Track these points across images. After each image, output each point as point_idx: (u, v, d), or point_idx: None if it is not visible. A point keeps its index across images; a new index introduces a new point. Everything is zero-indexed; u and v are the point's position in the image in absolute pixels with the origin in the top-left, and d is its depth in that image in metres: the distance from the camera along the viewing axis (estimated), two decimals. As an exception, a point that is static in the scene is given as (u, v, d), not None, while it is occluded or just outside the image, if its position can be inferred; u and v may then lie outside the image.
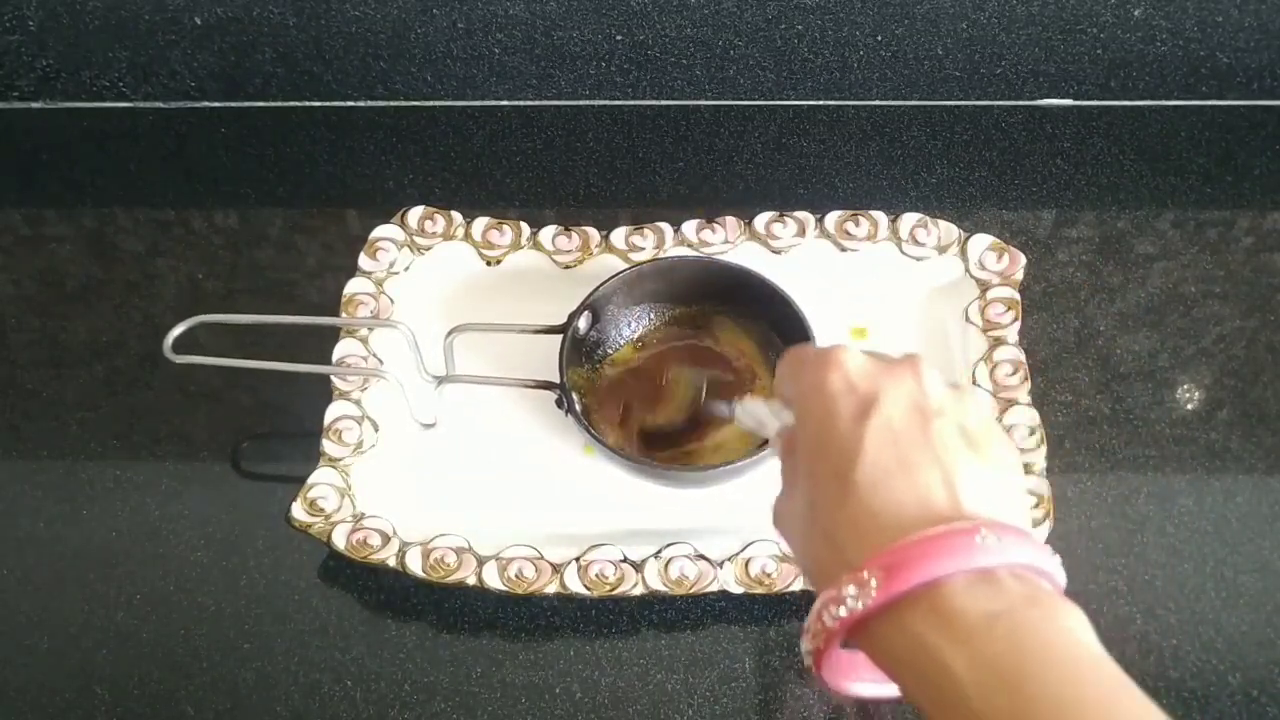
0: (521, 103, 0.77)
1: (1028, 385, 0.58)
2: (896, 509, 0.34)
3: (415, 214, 0.65)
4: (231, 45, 0.72)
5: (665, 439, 0.58)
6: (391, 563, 0.54)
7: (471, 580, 0.53)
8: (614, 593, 0.53)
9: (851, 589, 0.33)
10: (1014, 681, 0.30)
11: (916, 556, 0.32)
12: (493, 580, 0.53)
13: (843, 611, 0.33)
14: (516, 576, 0.53)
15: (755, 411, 0.47)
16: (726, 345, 0.61)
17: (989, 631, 0.31)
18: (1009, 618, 0.31)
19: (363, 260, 0.64)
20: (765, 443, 0.53)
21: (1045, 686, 0.30)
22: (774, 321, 0.59)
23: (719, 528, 0.56)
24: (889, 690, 0.37)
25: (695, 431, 0.58)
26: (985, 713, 0.30)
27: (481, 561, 0.54)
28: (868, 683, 0.38)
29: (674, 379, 0.60)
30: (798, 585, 0.53)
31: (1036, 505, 0.55)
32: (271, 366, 0.57)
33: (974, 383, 0.59)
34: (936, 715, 0.32)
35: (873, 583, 0.33)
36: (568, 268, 0.64)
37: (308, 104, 0.77)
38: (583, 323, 0.59)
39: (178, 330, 0.56)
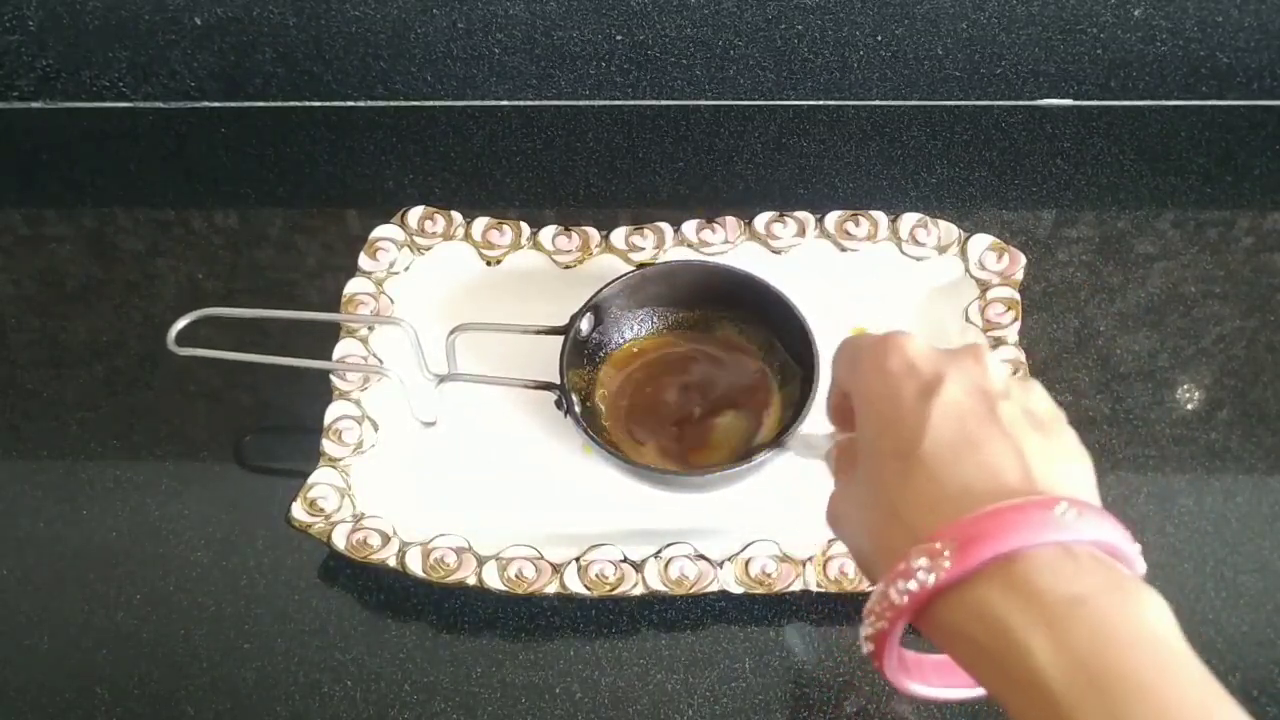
0: (521, 103, 0.77)
1: (1028, 385, 0.58)
2: (967, 483, 0.32)
3: (415, 214, 0.65)
4: (231, 45, 0.72)
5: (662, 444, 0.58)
6: (391, 563, 0.54)
7: (471, 580, 0.53)
8: (614, 593, 0.53)
9: (923, 560, 0.31)
10: (1100, 675, 0.29)
11: (994, 527, 0.31)
12: (493, 580, 0.53)
13: (913, 585, 0.31)
14: (516, 576, 0.53)
15: (807, 439, 0.46)
16: (728, 349, 0.61)
17: (1070, 613, 0.29)
18: (1093, 603, 0.30)
19: (363, 260, 0.64)
20: (766, 447, 0.53)
21: (1133, 683, 0.28)
22: (776, 327, 0.59)
23: (719, 528, 0.56)
24: (956, 692, 0.35)
25: (695, 436, 0.58)
26: (1069, 705, 0.29)
27: (481, 561, 0.54)
28: (929, 684, 0.36)
29: (723, 425, 0.58)
30: (798, 585, 0.53)
31: None
32: (274, 361, 0.57)
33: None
34: (1009, 699, 0.31)
35: (946, 553, 0.31)
36: (568, 268, 0.64)
37: (308, 104, 0.77)
38: (585, 324, 0.59)
39: (181, 323, 0.56)
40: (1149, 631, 0.30)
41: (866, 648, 0.34)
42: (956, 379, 0.35)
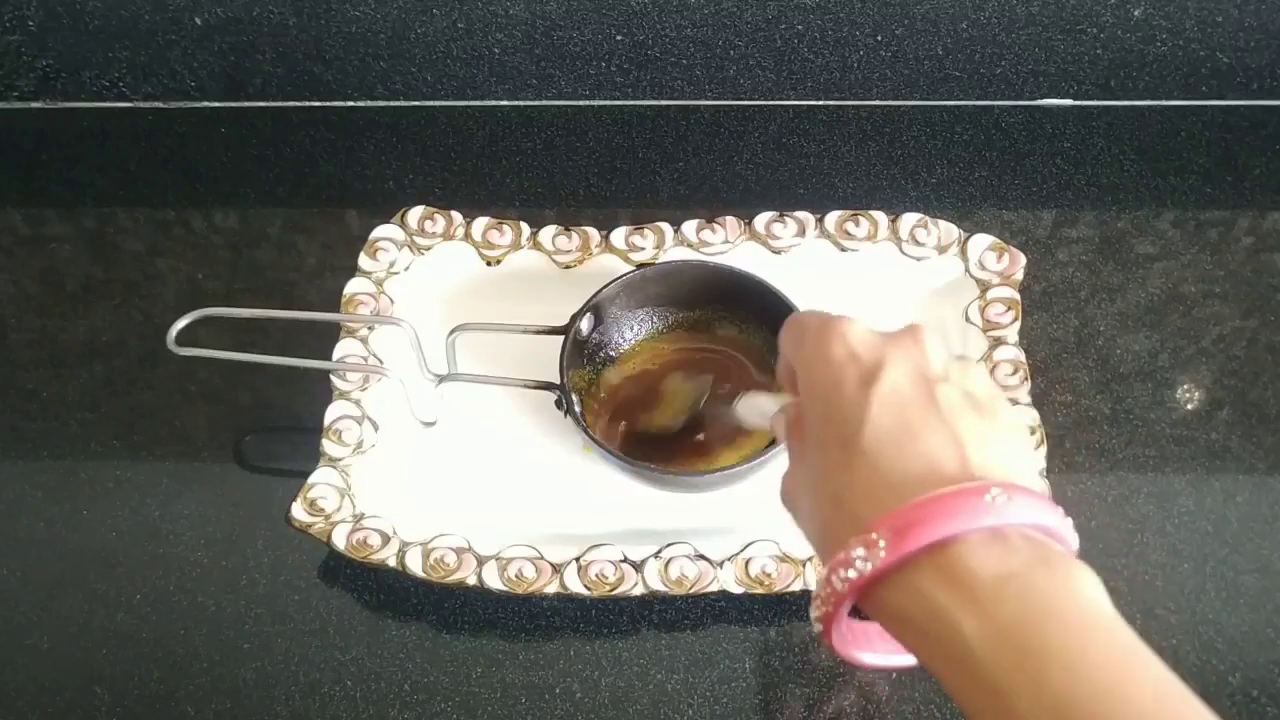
0: (521, 103, 0.77)
1: (1028, 385, 0.58)
2: (904, 471, 0.34)
3: (415, 214, 0.65)
4: (231, 45, 0.72)
5: (662, 445, 0.58)
6: (391, 563, 0.54)
7: (471, 580, 0.53)
8: (614, 593, 0.53)
9: (860, 551, 0.33)
10: (1024, 644, 0.30)
11: (925, 516, 0.32)
12: (493, 580, 0.53)
13: (851, 574, 0.33)
14: (516, 576, 0.53)
15: (756, 403, 0.47)
16: (729, 350, 0.61)
17: (999, 592, 0.31)
18: (1020, 579, 0.31)
19: (363, 260, 0.64)
20: (766, 447, 0.53)
21: (1056, 649, 0.30)
22: (776, 327, 0.59)
23: (719, 528, 0.56)
24: (900, 659, 0.36)
25: (693, 437, 0.58)
26: (995, 675, 0.30)
27: (481, 561, 0.54)
28: (877, 653, 0.38)
29: (672, 388, 0.60)
30: (798, 585, 0.53)
31: (1030, 434, 0.55)
32: (274, 361, 0.57)
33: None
34: (947, 677, 0.32)
35: (881, 544, 0.32)
36: (568, 268, 0.64)
37: (308, 104, 0.77)
38: (585, 324, 0.59)
39: (181, 323, 0.56)
40: (1074, 600, 0.31)
41: (816, 627, 0.36)
42: (897, 365, 0.36)
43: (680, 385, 0.60)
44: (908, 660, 0.35)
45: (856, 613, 0.36)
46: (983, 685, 0.30)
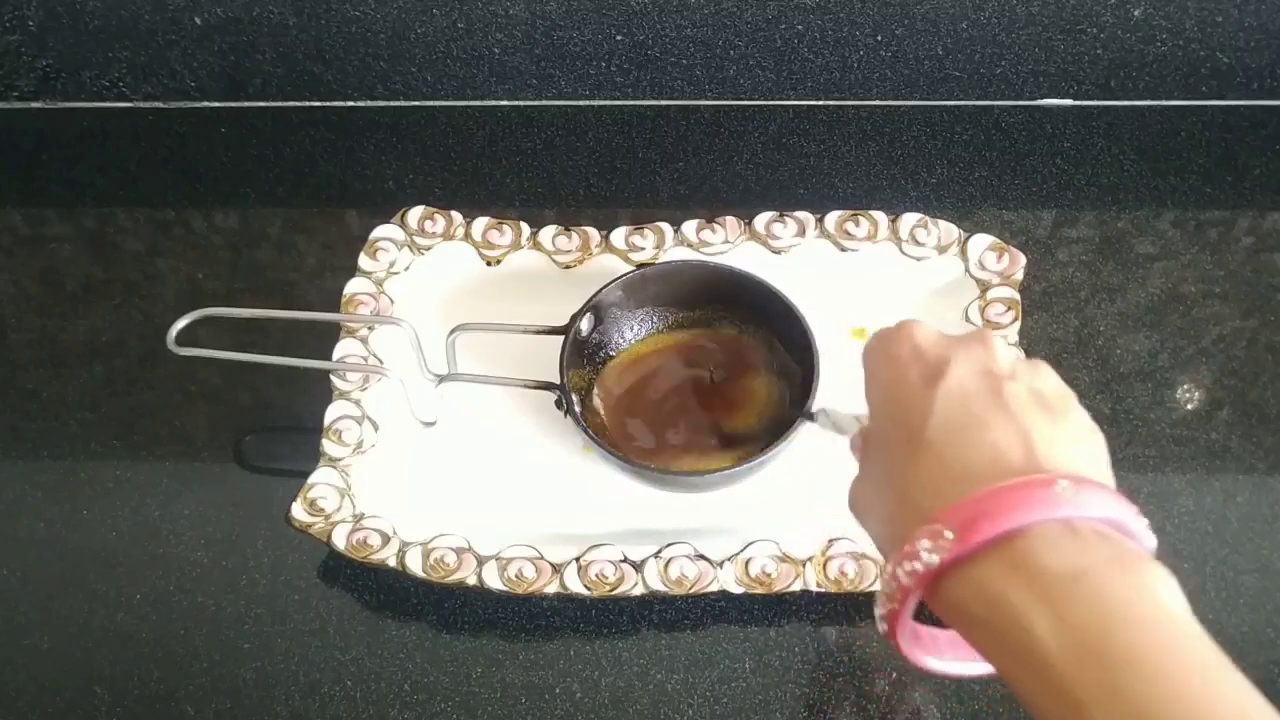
0: (521, 103, 0.77)
1: (1028, 385, 0.58)
2: (970, 463, 0.33)
3: (415, 214, 0.65)
4: (231, 45, 0.72)
5: (660, 445, 0.58)
6: (391, 563, 0.54)
7: (471, 580, 0.53)
8: (614, 593, 0.53)
9: (926, 543, 0.32)
10: (1102, 650, 0.29)
11: (993, 507, 0.31)
12: (493, 580, 0.53)
13: (918, 566, 0.32)
14: (516, 576, 0.53)
15: (835, 416, 0.47)
16: (728, 349, 0.61)
17: (1070, 588, 0.30)
18: (1093, 577, 0.30)
19: (363, 260, 0.64)
20: (766, 447, 0.53)
21: (1134, 656, 0.28)
22: (776, 327, 0.59)
23: (719, 528, 0.56)
24: (969, 668, 0.36)
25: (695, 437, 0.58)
26: (1069, 680, 0.29)
27: (481, 561, 0.54)
28: (944, 659, 0.37)
29: (755, 388, 0.59)
30: (797, 585, 0.53)
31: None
32: (274, 361, 0.57)
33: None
34: (1016, 679, 0.31)
35: (948, 535, 0.31)
36: (568, 268, 0.64)
37: (308, 104, 0.77)
38: (585, 324, 0.59)
39: (181, 323, 0.56)
40: (1150, 604, 0.30)
41: (881, 626, 0.35)
42: (962, 363, 0.36)
43: (767, 390, 0.59)
44: (976, 669, 0.35)
45: (925, 618, 0.35)
46: (1056, 690, 0.29)
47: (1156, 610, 0.30)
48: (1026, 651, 0.30)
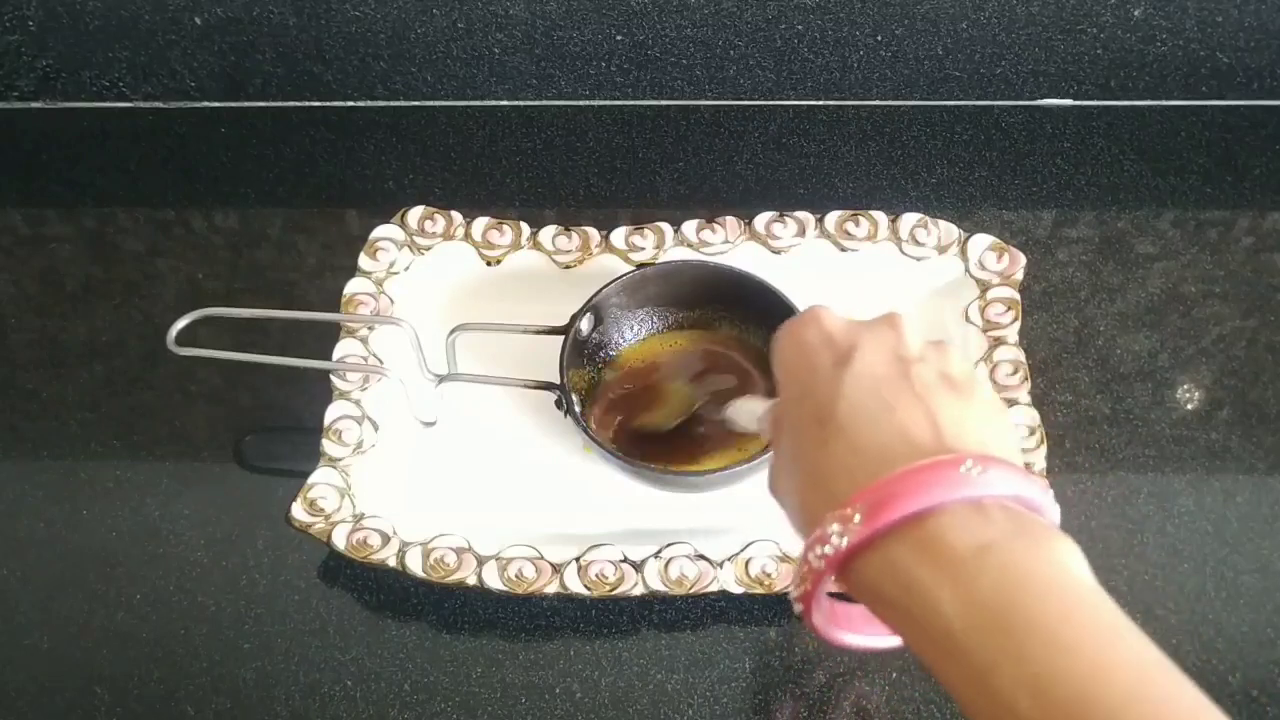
0: (521, 103, 0.77)
1: (1028, 385, 0.58)
2: (879, 446, 0.34)
3: (415, 214, 0.65)
4: (231, 45, 0.72)
5: (660, 444, 0.58)
6: (391, 563, 0.54)
7: (471, 580, 0.53)
8: (614, 593, 0.53)
9: (835, 526, 0.32)
10: (1003, 617, 0.29)
11: (901, 489, 0.32)
12: (493, 580, 0.53)
13: (828, 550, 0.33)
14: (516, 576, 0.53)
15: (747, 406, 0.47)
16: (728, 349, 0.61)
17: (976, 564, 0.30)
18: (997, 550, 0.30)
19: (363, 260, 0.64)
20: (766, 447, 0.54)
21: (1036, 622, 0.29)
22: (775, 327, 0.59)
23: (719, 528, 0.56)
24: (883, 641, 0.36)
25: (694, 434, 0.58)
26: (974, 650, 0.29)
27: (481, 561, 0.54)
28: (862, 634, 0.38)
29: (672, 389, 0.60)
30: (798, 585, 0.53)
31: (1030, 434, 0.56)
32: (274, 361, 0.57)
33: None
34: (927, 653, 0.32)
35: (856, 518, 0.32)
36: (568, 268, 0.64)
37: (308, 104, 0.77)
38: (585, 324, 0.59)
39: (181, 323, 0.56)
40: (1052, 572, 0.30)
41: (796, 608, 0.35)
42: (871, 347, 0.36)
43: (680, 388, 0.60)
44: (891, 641, 0.35)
45: (842, 596, 0.36)
46: (962, 660, 0.30)
47: (1058, 576, 0.30)
48: (934, 625, 0.31)
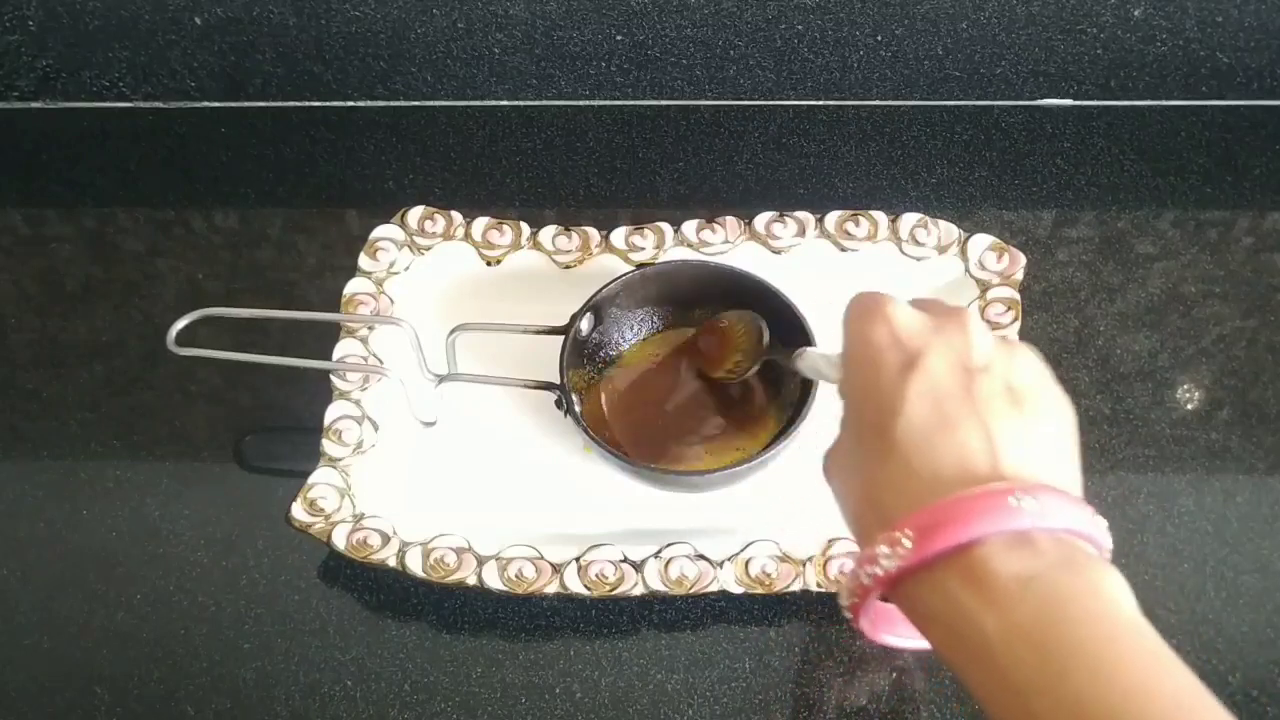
0: (521, 103, 0.77)
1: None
2: (935, 468, 0.34)
3: (415, 214, 0.65)
4: (231, 45, 0.72)
5: (664, 441, 0.58)
6: (391, 563, 0.54)
7: (471, 580, 0.53)
8: (614, 593, 0.53)
9: (885, 549, 0.33)
10: (1044, 644, 0.30)
11: (950, 518, 0.32)
12: (493, 580, 0.53)
13: (878, 571, 0.33)
14: (516, 576, 0.53)
15: (815, 363, 0.47)
16: (728, 347, 0.61)
17: (1020, 594, 0.31)
18: (1041, 581, 0.31)
19: (363, 260, 0.64)
20: (765, 447, 0.54)
21: (1077, 650, 0.30)
22: (776, 326, 0.59)
23: (719, 528, 0.56)
24: (923, 643, 0.37)
25: (696, 434, 0.58)
26: (1016, 674, 0.30)
27: (481, 561, 0.54)
28: (906, 637, 0.38)
29: (736, 330, 0.58)
30: (797, 585, 0.53)
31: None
32: (274, 361, 0.57)
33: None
34: (969, 675, 0.32)
35: (906, 544, 0.32)
36: (568, 268, 0.64)
37: (308, 104, 0.77)
38: (585, 324, 0.59)
39: (181, 323, 0.56)
40: (1097, 603, 0.31)
41: (846, 614, 0.36)
42: (937, 354, 0.36)
43: (744, 326, 0.58)
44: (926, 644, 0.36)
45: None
46: (1004, 684, 0.30)
47: (1101, 607, 0.31)
48: (977, 648, 0.31)
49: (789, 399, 0.58)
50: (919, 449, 0.34)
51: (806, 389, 0.55)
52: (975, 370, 0.36)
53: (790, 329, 0.57)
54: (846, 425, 0.38)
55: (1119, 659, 0.29)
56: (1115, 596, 0.31)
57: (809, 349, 0.49)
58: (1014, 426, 0.35)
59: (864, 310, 0.38)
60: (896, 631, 0.38)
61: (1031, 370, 0.37)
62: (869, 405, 0.36)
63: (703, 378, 0.60)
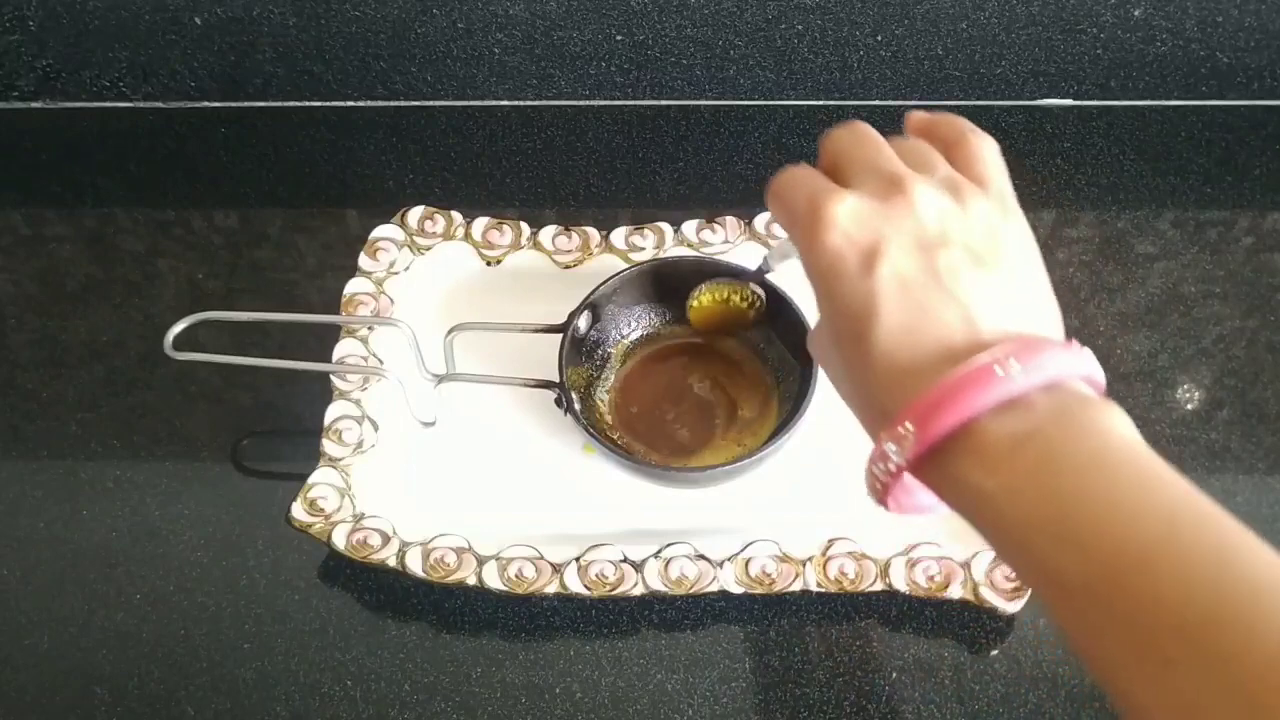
0: (521, 103, 0.77)
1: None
2: (921, 358, 0.34)
3: (415, 214, 0.65)
4: (231, 45, 0.73)
5: (661, 438, 0.58)
6: (391, 563, 0.54)
7: (471, 580, 0.53)
8: (614, 593, 0.53)
9: (892, 445, 0.34)
10: (1048, 490, 0.31)
11: (941, 403, 0.33)
12: (493, 580, 0.53)
13: (891, 466, 0.34)
14: (516, 576, 0.53)
15: (784, 250, 0.47)
16: (726, 346, 0.61)
17: (1019, 453, 0.32)
18: (1037, 436, 0.32)
19: (363, 260, 0.64)
20: (765, 445, 0.54)
21: (1078, 490, 0.31)
22: (774, 327, 0.59)
23: (719, 528, 0.56)
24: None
25: (698, 432, 0.59)
26: (1023, 526, 0.31)
27: (481, 561, 0.54)
28: (930, 507, 0.39)
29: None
30: (798, 585, 0.53)
31: None
32: (272, 364, 0.57)
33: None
34: (993, 542, 0.34)
35: (908, 436, 0.33)
36: (568, 268, 0.64)
37: (308, 104, 0.77)
38: (583, 322, 0.59)
39: (179, 327, 0.56)
40: (1094, 443, 0.32)
41: (873, 504, 0.37)
42: (893, 243, 0.36)
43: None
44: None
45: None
46: (1017, 543, 0.32)
47: (1099, 444, 0.32)
48: (989, 515, 0.33)
49: (789, 394, 0.58)
50: (901, 345, 0.35)
51: (805, 384, 0.55)
52: (933, 246, 0.35)
53: (789, 324, 0.57)
54: (824, 329, 0.38)
55: (1117, 487, 0.30)
56: (1105, 429, 0.32)
57: (776, 243, 0.49)
58: (983, 288, 0.35)
59: (807, 215, 0.37)
60: (918, 502, 0.38)
61: (985, 220, 0.37)
62: (840, 317, 0.36)
63: (711, 350, 0.61)
